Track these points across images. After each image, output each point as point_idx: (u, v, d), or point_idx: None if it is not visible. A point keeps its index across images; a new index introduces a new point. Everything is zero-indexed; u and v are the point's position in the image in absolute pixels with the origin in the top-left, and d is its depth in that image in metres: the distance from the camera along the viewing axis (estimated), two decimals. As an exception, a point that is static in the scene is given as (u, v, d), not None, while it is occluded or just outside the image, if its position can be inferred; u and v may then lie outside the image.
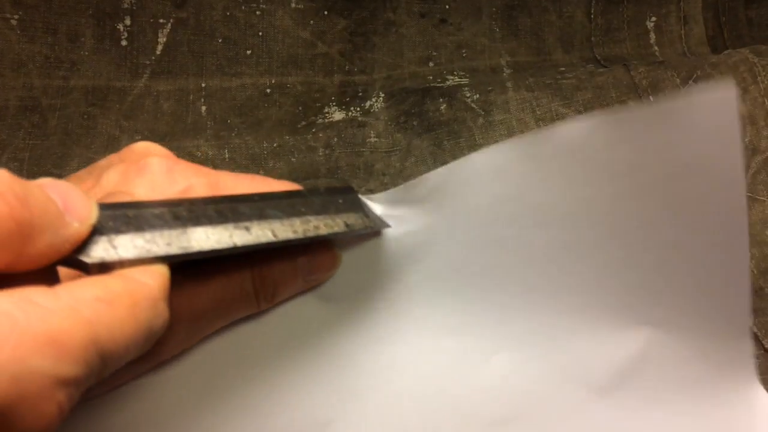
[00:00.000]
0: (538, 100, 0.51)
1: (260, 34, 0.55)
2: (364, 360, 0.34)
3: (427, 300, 0.34)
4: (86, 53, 0.52)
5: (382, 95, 0.55)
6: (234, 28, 0.54)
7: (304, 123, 0.54)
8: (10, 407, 0.15)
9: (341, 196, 0.31)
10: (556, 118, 0.51)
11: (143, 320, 0.19)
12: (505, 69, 0.57)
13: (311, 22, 0.55)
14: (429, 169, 0.51)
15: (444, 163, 0.51)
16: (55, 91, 0.52)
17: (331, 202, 0.29)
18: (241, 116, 0.54)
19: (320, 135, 0.53)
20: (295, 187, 0.31)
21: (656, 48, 0.58)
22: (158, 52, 0.53)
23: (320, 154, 0.52)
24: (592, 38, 0.58)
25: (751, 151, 0.46)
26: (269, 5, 0.54)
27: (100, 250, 0.20)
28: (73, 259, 0.20)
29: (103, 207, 0.21)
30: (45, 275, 0.19)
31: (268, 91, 0.54)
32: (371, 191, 0.51)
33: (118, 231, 0.21)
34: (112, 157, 0.28)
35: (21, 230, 0.17)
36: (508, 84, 0.53)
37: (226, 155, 0.51)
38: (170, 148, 0.51)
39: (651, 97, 0.50)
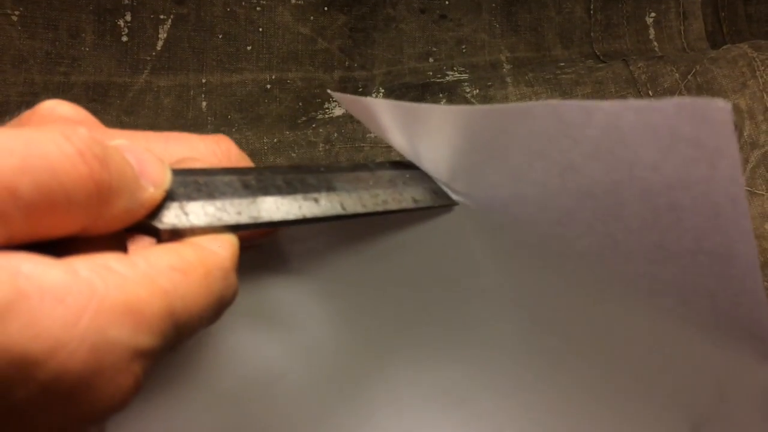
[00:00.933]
0: (537, 95, 0.52)
1: (260, 30, 0.55)
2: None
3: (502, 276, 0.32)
4: (87, 49, 0.52)
5: (382, 91, 0.55)
6: (234, 24, 0.54)
7: (304, 118, 0.54)
8: (88, 378, 0.14)
9: (408, 171, 0.30)
10: (555, 113, 0.51)
11: (216, 290, 0.18)
12: (504, 64, 0.57)
13: (311, 17, 0.55)
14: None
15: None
16: (56, 87, 0.52)
17: (398, 176, 0.28)
18: (241, 112, 0.54)
19: (320, 130, 0.53)
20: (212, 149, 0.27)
21: (656, 43, 0.58)
22: (159, 48, 0.53)
23: (320, 149, 0.52)
24: (592, 34, 0.58)
25: (750, 145, 0.46)
26: (269, 1, 0.55)
27: (171, 216, 0.19)
28: (145, 225, 0.19)
29: (176, 173, 0.20)
30: (116, 241, 0.18)
31: (269, 86, 0.55)
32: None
33: (189, 197, 0.20)
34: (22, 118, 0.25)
35: (100, 192, 0.16)
36: (508, 79, 0.53)
37: (227, 150, 0.51)
38: (171, 144, 0.51)
39: (650, 92, 0.50)
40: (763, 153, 0.46)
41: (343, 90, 0.55)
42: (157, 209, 0.19)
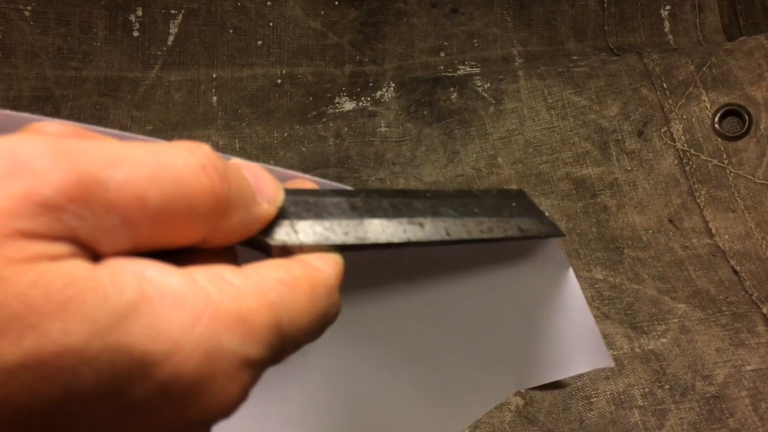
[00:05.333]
0: (549, 88, 0.51)
1: (271, 24, 0.55)
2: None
3: None
4: (99, 44, 0.53)
5: (393, 85, 0.55)
6: (245, 18, 0.54)
7: (314, 113, 0.54)
8: (201, 382, 0.15)
9: (514, 199, 0.31)
10: (567, 105, 0.50)
11: (320, 307, 0.19)
12: (517, 58, 0.57)
13: (322, 12, 0.55)
14: (439, 158, 0.51)
15: (455, 151, 0.51)
16: (67, 82, 0.52)
17: (504, 204, 0.29)
18: (251, 106, 0.54)
19: (330, 125, 0.53)
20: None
21: (670, 36, 0.57)
22: (170, 43, 0.54)
23: (330, 143, 0.52)
24: (606, 27, 0.58)
25: (767, 138, 0.45)
26: (280, -5, 0.55)
27: (282, 233, 0.20)
28: (258, 240, 0.20)
29: (288, 192, 0.21)
30: (229, 255, 0.19)
31: (279, 81, 0.54)
32: (381, 180, 0.50)
33: (299, 216, 0.21)
34: None
35: (220, 204, 0.17)
36: (520, 73, 0.53)
37: (237, 145, 0.51)
38: (181, 138, 0.51)
39: (664, 84, 0.49)
40: (780, 146, 0.45)
41: (354, 85, 0.55)
42: (270, 226, 0.20)
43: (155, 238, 0.16)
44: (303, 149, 0.51)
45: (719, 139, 0.47)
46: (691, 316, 0.41)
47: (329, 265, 0.20)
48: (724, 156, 0.46)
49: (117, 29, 0.53)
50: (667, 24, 0.58)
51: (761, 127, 0.45)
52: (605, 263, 0.45)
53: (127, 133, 0.19)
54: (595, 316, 0.42)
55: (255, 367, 0.16)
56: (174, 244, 0.16)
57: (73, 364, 0.13)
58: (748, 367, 0.38)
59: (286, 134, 0.52)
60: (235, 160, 0.19)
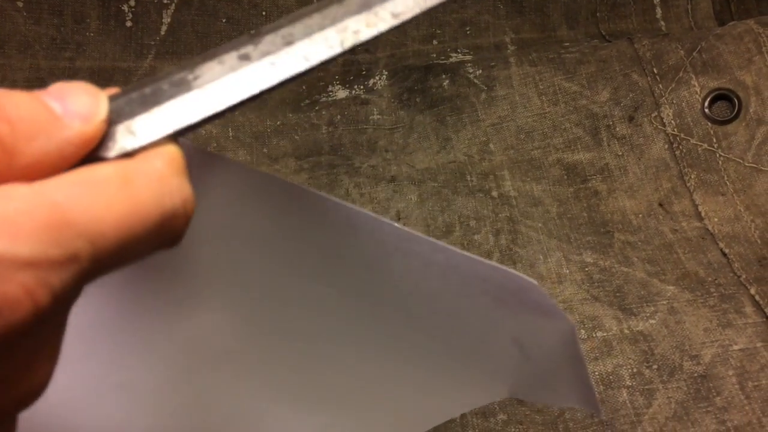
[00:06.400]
0: (541, 75, 0.51)
1: (264, 13, 0.55)
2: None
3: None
4: (92, 34, 0.53)
5: (386, 73, 0.55)
6: (237, 7, 0.55)
7: (307, 101, 0.54)
8: None
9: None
10: (558, 92, 0.50)
11: (144, 199, 0.18)
12: (509, 46, 0.57)
13: (314, 0, 0.55)
14: (432, 145, 0.51)
15: (447, 138, 0.51)
16: (61, 72, 0.52)
17: None
18: (245, 95, 0.54)
19: (323, 113, 0.53)
20: None
21: (662, 23, 0.57)
22: (163, 33, 0.54)
23: (323, 131, 0.52)
24: (598, 14, 0.58)
25: (756, 122, 0.45)
26: (272, -16, 0.55)
27: (118, 141, 0.19)
28: (94, 157, 0.19)
29: (120, 94, 0.20)
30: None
31: (272, 70, 0.55)
32: (374, 167, 0.51)
33: (134, 113, 0.19)
34: None
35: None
36: (511, 59, 0.53)
37: (230, 133, 0.51)
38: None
39: (655, 70, 0.49)
40: (769, 129, 0.46)
41: (347, 73, 0.55)
42: (105, 138, 0.19)
43: None
44: (296, 137, 0.52)
45: (709, 124, 0.47)
46: (680, 298, 0.42)
47: (157, 156, 0.19)
48: (714, 140, 0.47)
49: (110, 19, 0.53)
50: (659, 10, 0.58)
51: (750, 111, 0.46)
52: (595, 247, 0.45)
53: None
54: (585, 299, 0.43)
55: (40, 267, 0.16)
56: None
57: None
58: (735, 347, 0.39)
59: (279, 122, 0.52)
60: (45, 90, 0.18)
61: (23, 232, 0.16)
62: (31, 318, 0.16)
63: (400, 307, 0.33)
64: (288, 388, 0.36)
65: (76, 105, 0.18)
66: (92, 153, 0.19)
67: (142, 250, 0.18)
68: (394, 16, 0.23)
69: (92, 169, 0.18)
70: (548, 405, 0.39)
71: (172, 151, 0.20)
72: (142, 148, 0.19)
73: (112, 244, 0.17)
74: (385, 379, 0.36)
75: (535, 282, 0.29)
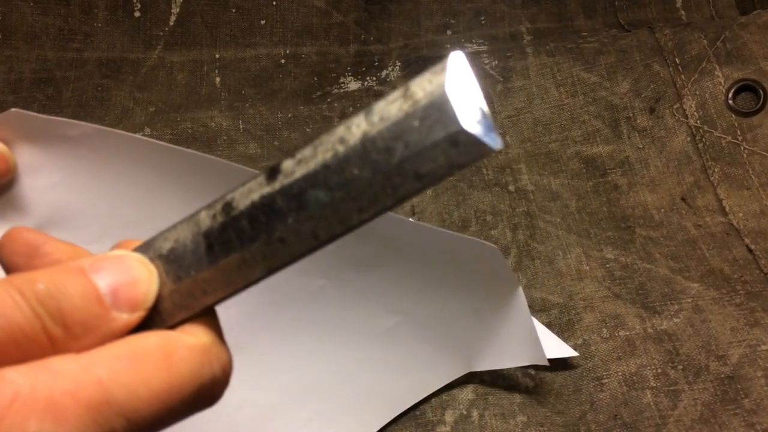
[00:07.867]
0: (558, 65, 0.50)
1: (274, 3, 0.54)
2: None
3: None
4: (99, 25, 0.52)
5: (399, 64, 0.54)
6: (247, -3, 0.53)
7: (319, 93, 0.53)
8: None
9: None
10: (577, 83, 0.49)
11: (182, 372, 0.18)
12: (525, 36, 0.55)
13: None
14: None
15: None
16: (69, 63, 0.51)
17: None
18: (255, 87, 0.53)
19: (335, 105, 0.52)
20: None
21: (682, 12, 0.56)
22: (171, 23, 0.53)
23: (335, 124, 0.51)
24: (616, 3, 0.56)
25: (783, 113, 0.44)
26: (283, -27, 0.53)
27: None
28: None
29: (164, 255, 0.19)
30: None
31: (283, 61, 0.54)
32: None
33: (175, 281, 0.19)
34: None
35: (54, 342, 0.17)
36: (528, 50, 0.51)
37: (241, 126, 0.50)
38: (184, 120, 0.50)
39: (677, 60, 0.48)
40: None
41: (359, 64, 0.54)
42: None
43: None
44: (308, 129, 0.51)
45: (733, 116, 0.46)
46: (705, 296, 0.40)
47: (199, 328, 0.19)
48: (738, 132, 0.45)
49: (118, 9, 0.52)
50: (679, -1, 0.56)
51: (777, 102, 0.44)
52: (616, 242, 0.44)
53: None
54: (606, 297, 0.41)
55: None
56: (13, 362, 0.17)
57: None
58: (764, 347, 0.38)
59: (290, 115, 0.51)
60: (93, 260, 0.19)
61: (68, 415, 0.16)
62: None
63: (372, 293, 0.36)
64: (273, 378, 0.38)
65: (126, 291, 0.19)
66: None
67: (177, 418, 0.19)
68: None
69: (136, 341, 0.18)
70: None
71: (212, 320, 0.20)
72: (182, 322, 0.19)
73: (147, 420, 0.17)
74: (358, 367, 0.39)
75: (494, 246, 0.34)
